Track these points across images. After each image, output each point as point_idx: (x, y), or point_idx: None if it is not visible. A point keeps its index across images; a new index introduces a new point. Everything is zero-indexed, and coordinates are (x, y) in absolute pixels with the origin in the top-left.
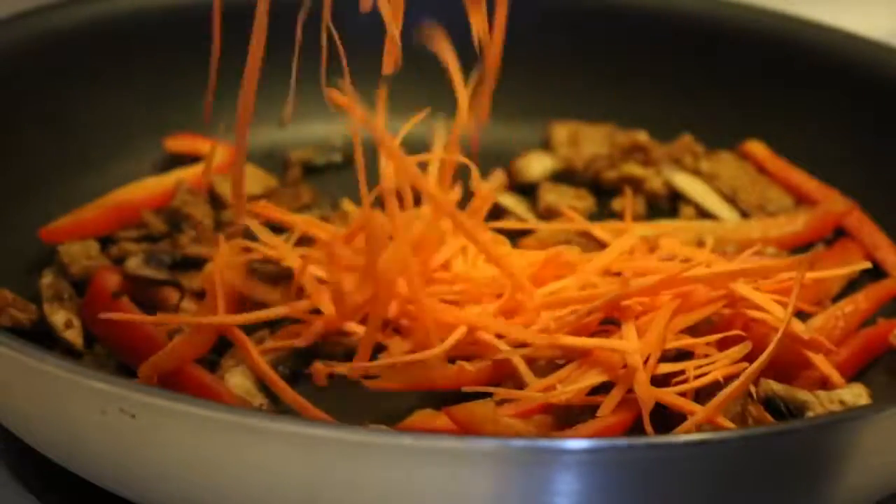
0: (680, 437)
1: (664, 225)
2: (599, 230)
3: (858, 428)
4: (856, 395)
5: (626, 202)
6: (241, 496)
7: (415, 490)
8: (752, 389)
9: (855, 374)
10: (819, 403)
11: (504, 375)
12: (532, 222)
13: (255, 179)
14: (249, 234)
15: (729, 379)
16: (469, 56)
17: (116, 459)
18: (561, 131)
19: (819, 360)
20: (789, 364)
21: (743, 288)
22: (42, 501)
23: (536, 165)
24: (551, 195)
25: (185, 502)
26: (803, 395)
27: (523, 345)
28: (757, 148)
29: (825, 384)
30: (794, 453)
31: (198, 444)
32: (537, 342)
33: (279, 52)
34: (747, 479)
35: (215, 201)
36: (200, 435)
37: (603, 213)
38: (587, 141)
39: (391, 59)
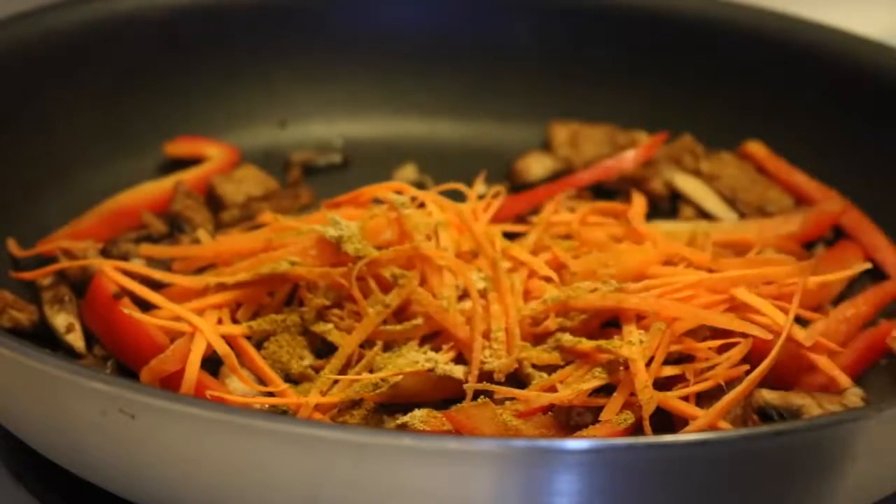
0: (680, 437)
1: (663, 225)
2: (598, 230)
3: (858, 428)
4: (855, 397)
5: (634, 204)
6: (241, 496)
7: (415, 490)
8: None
9: (857, 376)
10: (817, 405)
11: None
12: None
13: (256, 181)
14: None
15: (730, 382)
16: (465, 56)
17: (116, 460)
18: (561, 131)
19: (824, 363)
20: (792, 369)
21: (744, 293)
22: (42, 502)
23: (536, 166)
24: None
25: (185, 502)
26: (799, 399)
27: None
28: (757, 148)
29: (829, 388)
30: (794, 453)
31: (198, 445)
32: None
33: (279, 54)
34: (747, 479)
35: (214, 203)
36: (200, 435)
37: None
38: (587, 141)
39: None
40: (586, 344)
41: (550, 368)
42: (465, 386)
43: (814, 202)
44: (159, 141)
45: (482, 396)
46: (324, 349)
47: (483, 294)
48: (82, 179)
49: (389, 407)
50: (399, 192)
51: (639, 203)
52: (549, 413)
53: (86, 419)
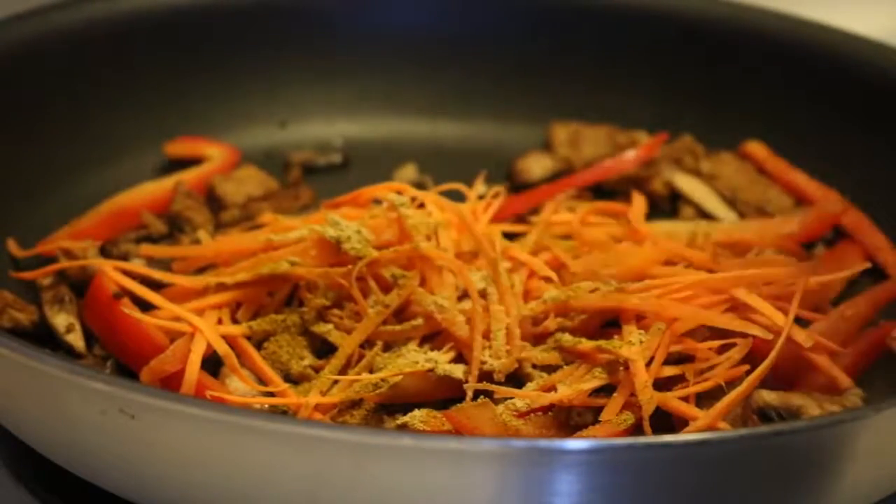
0: (680, 437)
1: (663, 225)
2: (598, 230)
3: (858, 428)
4: (855, 397)
5: (634, 204)
6: (240, 496)
7: (415, 490)
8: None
9: (857, 376)
10: (817, 405)
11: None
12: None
13: (256, 181)
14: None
15: (730, 383)
16: (465, 56)
17: (116, 460)
18: (561, 132)
19: (824, 363)
20: (792, 369)
21: (744, 294)
22: (42, 502)
23: (536, 166)
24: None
25: (185, 502)
26: (799, 399)
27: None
28: (757, 148)
29: (829, 388)
30: (793, 453)
31: (198, 445)
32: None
33: (279, 54)
34: (747, 479)
35: (214, 203)
36: (200, 435)
37: None
38: (587, 141)
39: None
40: (586, 344)
41: (550, 368)
42: (465, 386)
43: (814, 202)
44: (159, 141)
45: (482, 396)
46: (324, 349)
47: (483, 294)
48: (82, 179)
49: (389, 407)
50: (399, 193)
51: (639, 203)
52: (549, 413)
53: (86, 419)
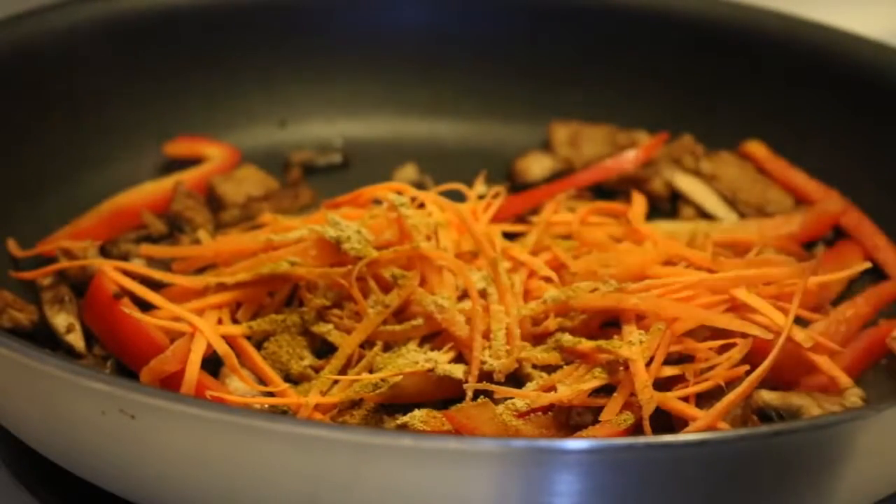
0: (679, 437)
1: (663, 225)
2: (598, 230)
3: (858, 428)
4: (855, 397)
5: (634, 204)
6: (240, 496)
7: (415, 490)
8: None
9: (857, 376)
10: (817, 405)
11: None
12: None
13: (256, 181)
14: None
15: (730, 383)
16: (465, 56)
17: (116, 460)
18: (561, 131)
19: (824, 363)
20: (791, 369)
21: (744, 294)
22: (42, 502)
23: (536, 166)
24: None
25: (185, 502)
26: (799, 399)
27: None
28: (757, 148)
29: (829, 388)
30: (794, 453)
31: (198, 445)
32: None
33: (279, 54)
34: (747, 479)
35: (214, 203)
36: (200, 435)
37: None
38: (587, 141)
39: None
40: (586, 344)
41: (550, 368)
42: (465, 386)
43: (814, 202)
44: (159, 141)
45: (482, 396)
46: (324, 349)
47: (483, 294)
48: (82, 179)
49: (389, 407)
50: (399, 193)
51: (639, 203)
52: (549, 413)
53: (86, 419)
